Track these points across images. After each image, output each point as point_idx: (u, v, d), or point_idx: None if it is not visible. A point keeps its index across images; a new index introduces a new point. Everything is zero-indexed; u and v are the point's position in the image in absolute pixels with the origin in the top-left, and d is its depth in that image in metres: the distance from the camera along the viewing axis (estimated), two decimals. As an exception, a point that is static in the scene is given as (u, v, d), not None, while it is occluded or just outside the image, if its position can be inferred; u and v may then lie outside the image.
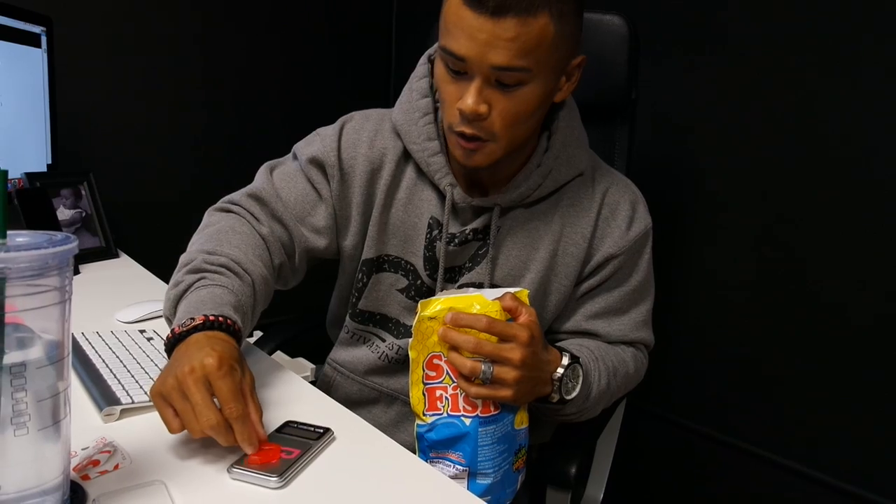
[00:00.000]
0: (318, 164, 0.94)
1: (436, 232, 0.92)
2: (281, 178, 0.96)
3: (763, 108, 1.36)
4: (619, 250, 0.92)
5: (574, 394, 0.83)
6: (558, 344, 0.87)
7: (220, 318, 0.74)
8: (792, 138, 1.33)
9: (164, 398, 0.66)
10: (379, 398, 1.01)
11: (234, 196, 0.97)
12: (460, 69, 0.78)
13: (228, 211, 0.96)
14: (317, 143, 0.95)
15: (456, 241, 0.92)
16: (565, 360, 0.81)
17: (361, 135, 0.94)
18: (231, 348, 0.71)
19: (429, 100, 0.90)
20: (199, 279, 0.81)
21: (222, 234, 0.89)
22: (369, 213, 0.95)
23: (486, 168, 0.85)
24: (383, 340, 0.99)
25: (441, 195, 0.91)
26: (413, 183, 0.93)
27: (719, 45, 1.41)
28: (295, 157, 0.98)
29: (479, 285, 0.92)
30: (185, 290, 0.81)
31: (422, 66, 0.93)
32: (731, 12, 1.38)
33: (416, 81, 0.93)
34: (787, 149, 1.33)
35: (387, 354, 0.99)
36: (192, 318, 0.74)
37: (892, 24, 1.18)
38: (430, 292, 0.94)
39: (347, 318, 1.02)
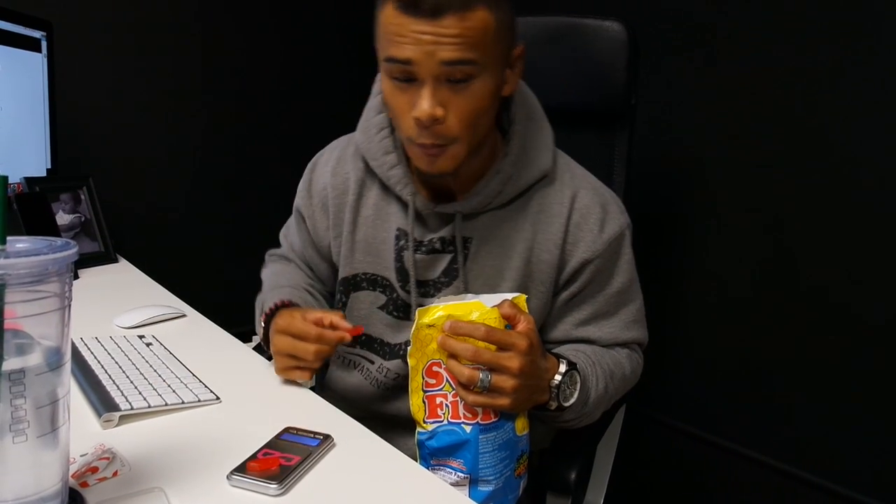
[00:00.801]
0: (298, 212, 1.05)
1: (402, 242, 0.93)
2: (290, 234, 1.10)
3: (763, 112, 1.36)
4: (594, 254, 0.91)
5: (572, 400, 0.83)
6: (554, 350, 0.87)
7: (277, 303, 0.92)
8: (792, 142, 1.33)
9: (284, 371, 0.87)
10: (378, 421, 1.01)
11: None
12: (409, 76, 0.77)
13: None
14: (298, 193, 1.05)
15: (423, 249, 0.92)
16: (563, 368, 0.81)
17: (326, 168, 0.99)
18: (287, 312, 0.88)
19: (383, 115, 0.92)
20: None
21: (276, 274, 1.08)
22: (340, 234, 0.98)
23: (451, 173, 0.84)
24: (372, 363, 0.99)
25: (406, 206, 0.92)
26: (379, 199, 0.95)
27: (719, 50, 1.41)
28: None
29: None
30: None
31: (377, 84, 0.94)
32: (731, 17, 1.39)
33: (372, 99, 0.95)
34: (788, 153, 1.34)
35: (377, 379, 0.98)
36: (262, 318, 0.94)
37: (890, 28, 1.19)
38: (406, 307, 0.94)
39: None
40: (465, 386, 0.75)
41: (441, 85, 0.77)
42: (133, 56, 1.72)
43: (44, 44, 1.39)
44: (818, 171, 1.30)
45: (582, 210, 0.91)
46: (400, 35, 0.75)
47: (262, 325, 0.92)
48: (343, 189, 0.97)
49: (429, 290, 0.93)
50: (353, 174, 0.96)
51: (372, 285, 0.96)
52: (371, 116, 0.94)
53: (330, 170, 0.98)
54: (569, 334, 0.95)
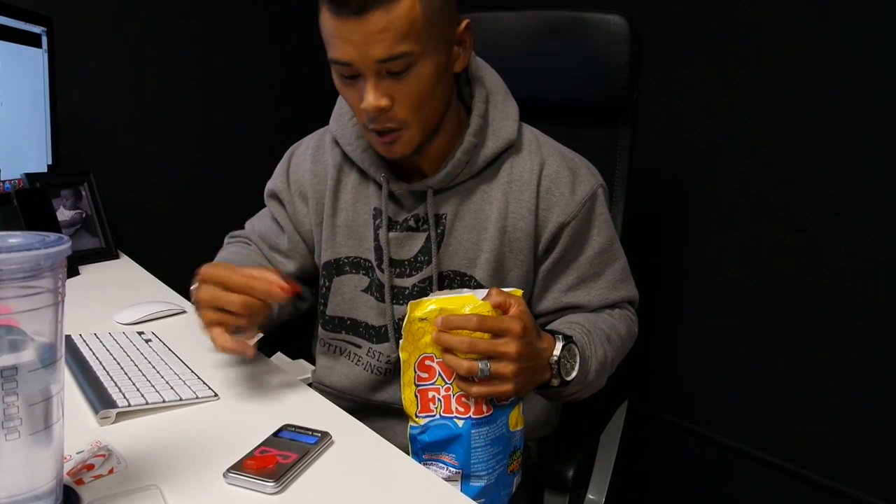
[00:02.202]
0: (273, 195, 1.04)
1: (378, 221, 0.94)
2: (256, 220, 1.10)
3: (767, 105, 1.35)
4: (570, 216, 0.91)
5: (574, 374, 0.83)
6: (549, 327, 0.86)
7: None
8: (797, 135, 1.32)
9: (208, 324, 0.79)
10: (371, 410, 1.00)
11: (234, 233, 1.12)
12: (351, 73, 0.80)
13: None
14: (272, 179, 1.05)
15: (398, 227, 0.94)
16: (559, 344, 0.81)
17: (306, 155, 1.01)
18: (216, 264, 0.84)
19: None
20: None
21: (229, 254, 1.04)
22: (322, 221, 0.99)
23: (412, 154, 0.87)
24: (359, 347, 0.99)
25: (381, 187, 0.94)
26: (358, 183, 0.97)
27: (722, 43, 1.40)
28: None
29: (431, 277, 0.93)
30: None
31: None
32: (734, 10, 1.37)
33: None
34: (793, 146, 1.32)
35: (371, 364, 0.98)
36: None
37: (891, 30, 1.18)
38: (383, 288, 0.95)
39: (319, 328, 1.03)
40: (466, 378, 0.75)
41: (383, 77, 0.79)
42: (134, 51, 1.71)
43: (44, 39, 1.39)
44: (824, 164, 1.28)
45: (551, 176, 0.92)
46: (335, 37, 0.78)
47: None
48: (323, 175, 0.98)
49: (405, 269, 0.94)
50: (332, 160, 0.98)
51: (355, 268, 0.98)
52: (344, 104, 0.97)
53: (310, 157, 1.00)
54: (558, 302, 0.95)
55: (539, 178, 0.92)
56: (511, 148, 0.93)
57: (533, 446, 1.05)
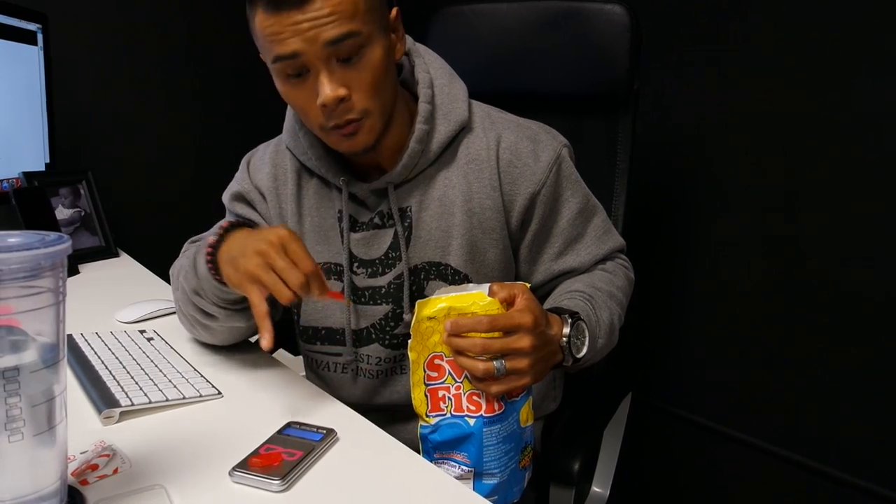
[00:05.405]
0: (238, 198, 0.99)
1: (342, 224, 0.93)
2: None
3: (768, 97, 1.34)
4: (539, 185, 0.90)
5: (584, 350, 0.82)
6: (553, 307, 0.85)
7: (239, 220, 0.84)
8: (798, 127, 1.31)
9: (252, 279, 0.73)
10: (374, 411, 1.00)
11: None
12: (299, 69, 0.78)
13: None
14: (233, 184, 1.01)
15: (364, 227, 0.92)
16: (566, 329, 0.80)
17: (264, 159, 0.98)
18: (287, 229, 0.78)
19: None
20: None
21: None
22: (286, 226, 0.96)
23: (374, 144, 0.85)
24: (338, 355, 0.97)
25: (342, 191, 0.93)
26: (319, 188, 0.95)
27: (723, 32, 1.39)
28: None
29: (400, 273, 0.92)
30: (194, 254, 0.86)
31: None
32: (735, 1, 1.37)
33: None
34: (793, 138, 1.32)
35: (361, 368, 0.97)
36: (217, 232, 0.81)
37: (892, 22, 1.17)
38: (360, 290, 0.94)
39: (300, 341, 1.01)
40: (483, 379, 0.74)
41: (334, 66, 0.77)
42: (131, 47, 1.70)
43: (39, 36, 1.38)
44: (827, 155, 1.28)
45: (510, 148, 0.91)
46: (278, 33, 0.76)
47: (216, 236, 0.81)
48: (283, 179, 0.96)
49: (377, 268, 0.93)
50: (291, 164, 0.95)
51: (326, 274, 0.95)
52: (293, 114, 0.95)
53: (269, 160, 0.97)
54: (550, 271, 0.95)
55: (497, 152, 0.91)
56: (464, 129, 0.91)
57: (538, 426, 1.05)
